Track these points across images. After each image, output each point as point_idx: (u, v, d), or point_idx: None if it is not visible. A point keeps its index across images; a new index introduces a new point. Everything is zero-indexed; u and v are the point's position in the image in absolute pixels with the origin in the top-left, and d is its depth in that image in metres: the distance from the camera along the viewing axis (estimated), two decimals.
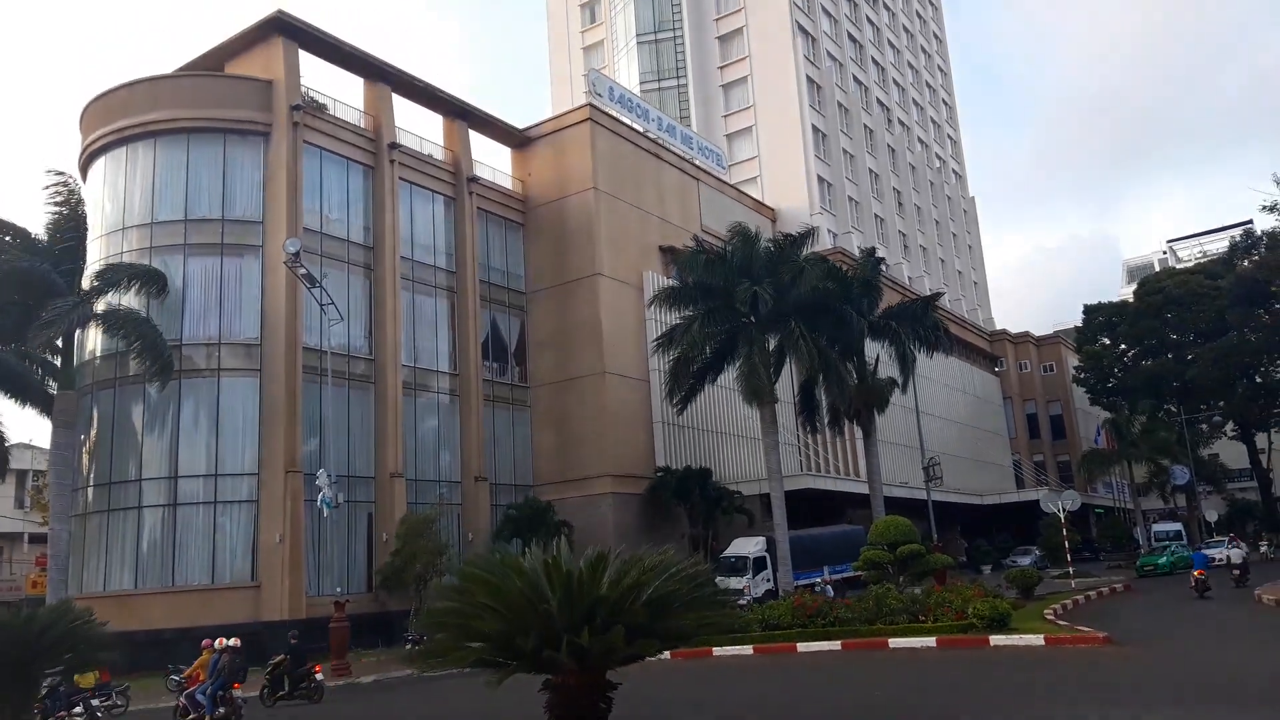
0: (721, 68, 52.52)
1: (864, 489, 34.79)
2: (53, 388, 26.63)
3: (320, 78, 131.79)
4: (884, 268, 36.07)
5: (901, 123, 60.67)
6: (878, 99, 58.26)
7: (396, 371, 29.56)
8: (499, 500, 32.04)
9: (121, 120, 28.10)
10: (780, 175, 49.31)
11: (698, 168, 42.56)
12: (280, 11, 28.56)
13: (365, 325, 29.45)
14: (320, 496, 21.98)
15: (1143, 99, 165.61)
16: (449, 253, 33.20)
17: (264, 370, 26.53)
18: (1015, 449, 62.48)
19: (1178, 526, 46.81)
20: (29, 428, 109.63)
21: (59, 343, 26.39)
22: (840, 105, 53.50)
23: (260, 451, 26.04)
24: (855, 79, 55.97)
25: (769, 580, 29.39)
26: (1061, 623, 18.06)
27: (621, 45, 53.33)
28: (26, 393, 26.34)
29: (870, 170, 54.63)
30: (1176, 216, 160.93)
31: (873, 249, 36.00)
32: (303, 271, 23.26)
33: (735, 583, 27.84)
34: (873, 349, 34.43)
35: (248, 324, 26.78)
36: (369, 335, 29.49)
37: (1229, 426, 55.05)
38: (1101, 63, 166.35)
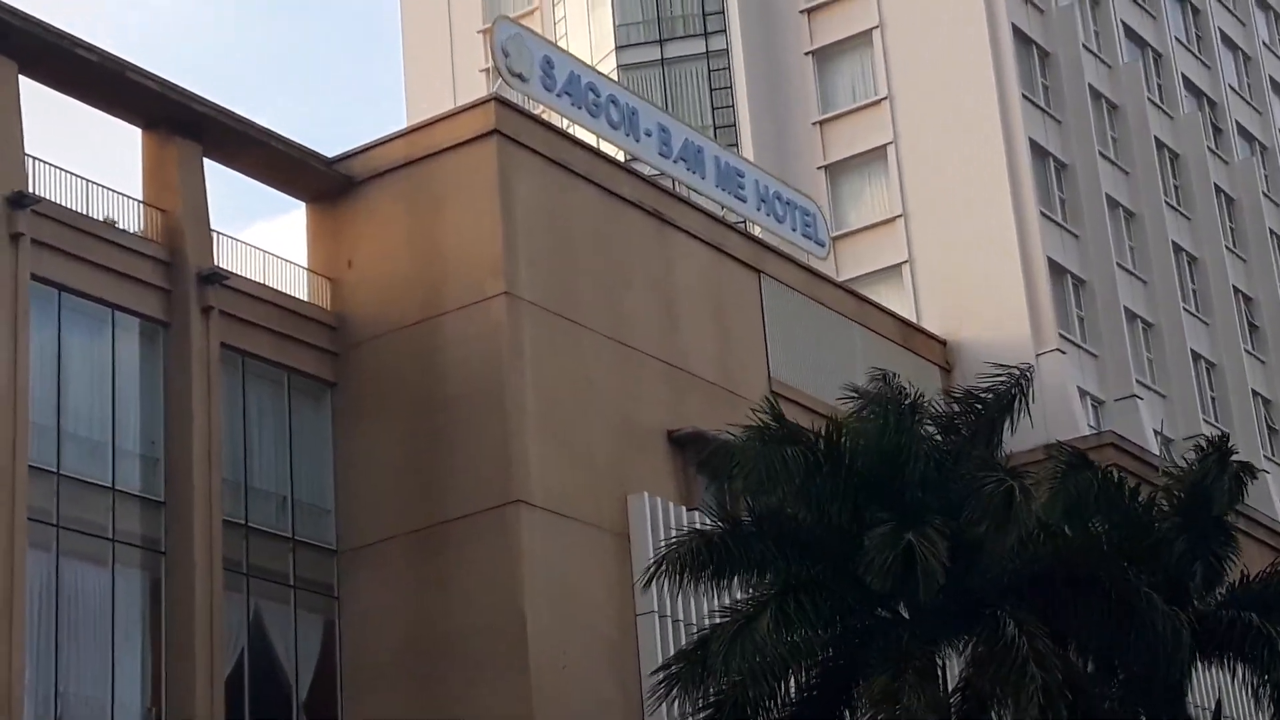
0: (809, 10, 50.60)
1: None
2: None
3: None
4: (1247, 485, 32.39)
5: (1245, 132, 58.97)
6: (1184, 77, 56.29)
7: None
8: None
9: None
10: (957, 258, 46.51)
11: (758, 244, 40.15)
12: None
13: None
14: None
15: None
16: (150, 455, 30.76)
17: None
18: None
19: None
20: None
21: None
22: (1099, 96, 51.73)
23: None
24: (1124, 26, 54.01)
25: None
26: None
27: None
28: None
29: (1176, 247, 52.26)
30: None
31: (1224, 437, 32.63)
32: None
33: None
34: (1204, 683, 33.93)
35: None
36: None
37: None
38: None
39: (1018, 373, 28.58)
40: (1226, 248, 56.12)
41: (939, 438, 27.11)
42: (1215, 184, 57.05)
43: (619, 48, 51.20)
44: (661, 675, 27.60)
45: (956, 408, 28.54)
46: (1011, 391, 27.81)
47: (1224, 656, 29.50)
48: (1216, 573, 29.83)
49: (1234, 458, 31.81)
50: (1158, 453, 41.30)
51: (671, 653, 28.86)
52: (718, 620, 26.87)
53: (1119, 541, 28.07)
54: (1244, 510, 38.01)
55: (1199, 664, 29.97)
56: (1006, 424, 27.79)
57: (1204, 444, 32.08)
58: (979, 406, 27.88)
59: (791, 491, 26.32)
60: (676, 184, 39.40)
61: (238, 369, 32.03)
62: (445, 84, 54.32)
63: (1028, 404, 28.06)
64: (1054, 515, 27.48)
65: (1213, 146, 57.96)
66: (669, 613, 31.62)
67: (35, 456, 27.77)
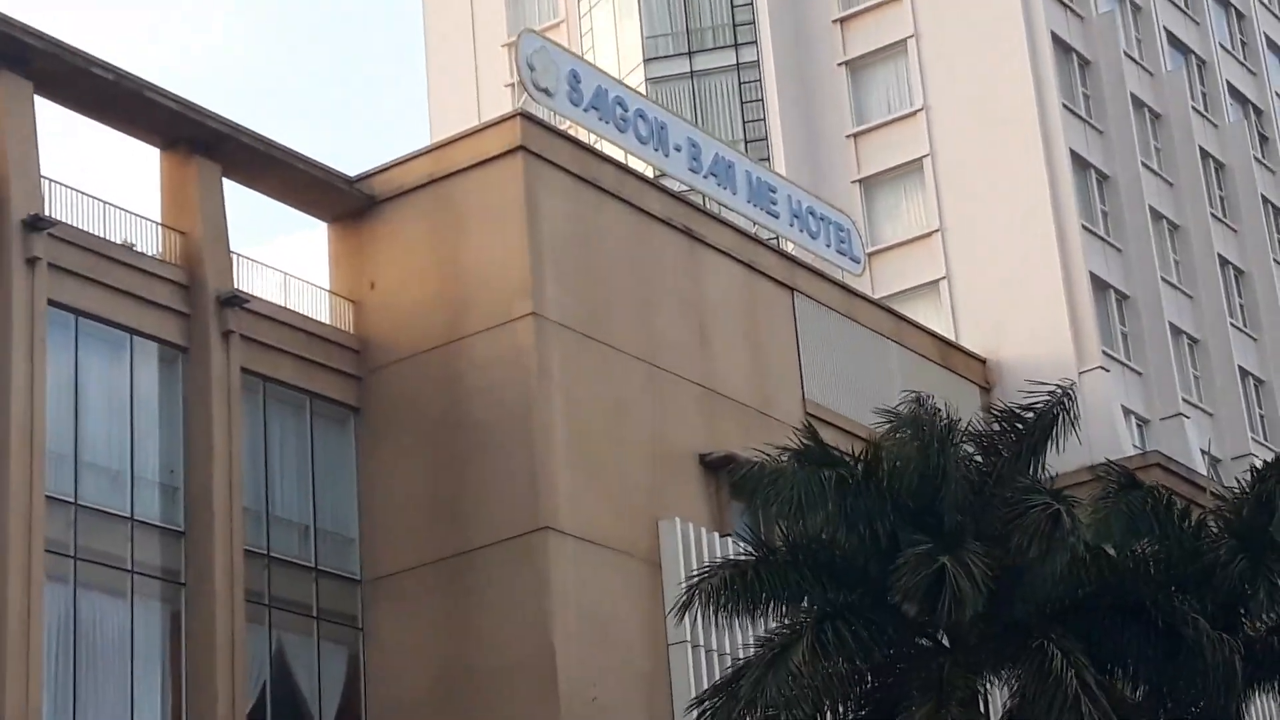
0: (842, 19, 50.07)
1: None
2: None
3: None
4: None
5: None
6: (1228, 84, 55.70)
7: None
8: None
9: None
10: (996, 274, 46.51)
11: (791, 261, 40.29)
12: None
13: None
14: None
15: None
16: (170, 483, 30.60)
17: None
18: None
19: None
20: None
21: None
22: (1142, 105, 51.31)
23: None
24: (1167, 33, 53.17)
25: None
26: None
27: None
28: None
29: (1222, 260, 51.76)
30: None
31: None
32: None
33: None
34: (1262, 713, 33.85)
35: None
36: None
37: None
38: None
39: (1060, 391, 28.09)
40: (1275, 260, 55.73)
41: (979, 459, 26.88)
42: (1262, 194, 56.71)
43: (647, 60, 51.54)
44: (695, 712, 27.33)
45: (997, 428, 28.07)
46: (1054, 411, 27.31)
47: (1276, 684, 28.98)
48: (1273, 597, 28.60)
49: None
50: (1205, 473, 41.22)
51: (705, 683, 28.71)
52: (752, 650, 26.73)
53: (1167, 566, 27.63)
54: None
55: (1251, 693, 29.27)
56: (1049, 445, 27.52)
57: (1261, 464, 31.71)
58: (1020, 427, 27.40)
59: (828, 516, 26.04)
60: (707, 200, 39.32)
61: (259, 394, 32.00)
62: (469, 99, 54.58)
63: (1073, 423, 27.66)
64: (1108, 538, 27.26)
65: (1259, 155, 57.54)
66: (702, 642, 31.34)
67: (52, 486, 27.65)
